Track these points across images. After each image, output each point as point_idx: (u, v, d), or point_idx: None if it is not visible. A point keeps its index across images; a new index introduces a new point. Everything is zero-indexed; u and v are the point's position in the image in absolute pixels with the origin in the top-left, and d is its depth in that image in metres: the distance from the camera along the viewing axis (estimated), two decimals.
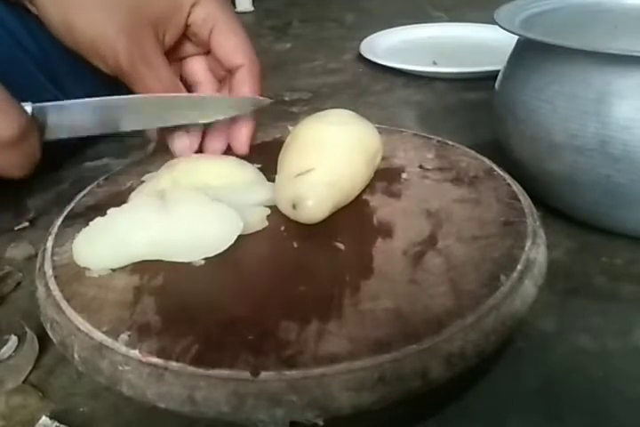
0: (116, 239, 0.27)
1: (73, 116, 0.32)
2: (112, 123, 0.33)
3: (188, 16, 0.35)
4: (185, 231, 0.27)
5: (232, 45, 0.35)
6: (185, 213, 0.28)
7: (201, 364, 0.21)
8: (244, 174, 0.33)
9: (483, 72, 0.63)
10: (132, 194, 0.32)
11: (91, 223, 0.28)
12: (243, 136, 0.36)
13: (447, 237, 0.28)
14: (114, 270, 0.27)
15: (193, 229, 0.27)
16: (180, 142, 0.35)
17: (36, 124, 0.30)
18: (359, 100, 0.63)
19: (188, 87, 0.37)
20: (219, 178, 0.32)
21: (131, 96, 0.33)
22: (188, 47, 0.38)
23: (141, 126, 0.33)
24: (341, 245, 0.28)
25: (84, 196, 0.34)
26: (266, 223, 0.30)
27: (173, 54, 0.37)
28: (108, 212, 0.28)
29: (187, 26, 0.35)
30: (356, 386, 0.21)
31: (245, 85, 0.35)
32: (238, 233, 0.28)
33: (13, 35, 0.42)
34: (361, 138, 0.31)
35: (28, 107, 0.29)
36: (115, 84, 0.37)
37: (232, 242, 0.28)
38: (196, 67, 0.38)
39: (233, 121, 0.36)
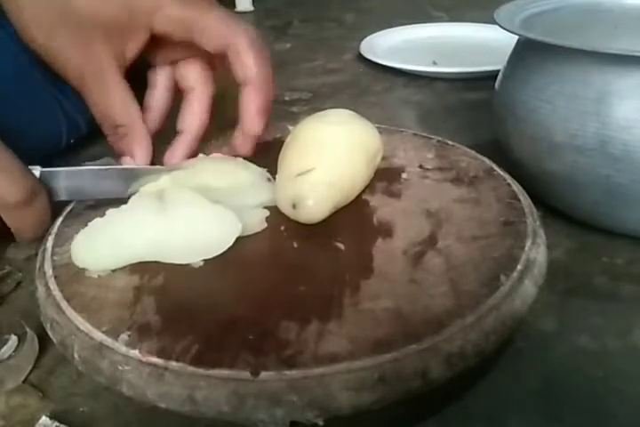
0: (114, 240, 0.27)
1: (82, 181, 0.31)
2: (120, 189, 0.32)
3: (152, 26, 0.33)
4: (183, 233, 0.27)
5: (250, 64, 0.33)
6: (183, 214, 0.28)
7: (201, 364, 0.21)
8: (243, 175, 0.33)
9: (483, 72, 0.63)
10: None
11: (89, 224, 0.28)
12: (253, 113, 0.34)
13: (447, 236, 0.28)
14: (113, 271, 0.27)
15: (191, 230, 0.27)
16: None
17: (45, 186, 0.30)
18: (359, 100, 0.63)
19: (181, 91, 0.37)
20: (218, 179, 0.32)
21: (153, 167, 0.33)
22: (177, 51, 0.36)
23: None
24: (341, 245, 0.28)
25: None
26: (265, 225, 0.30)
27: (164, 58, 0.36)
28: (107, 213, 0.28)
29: (158, 34, 0.33)
30: (356, 386, 0.21)
31: (252, 103, 0.34)
32: (237, 235, 0.28)
33: (10, 33, 0.42)
34: (361, 138, 0.31)
35: (37, 171, 0.30)
36: None
37: (230, 244, 0.28)
38: (188, 71, 0.37)
39: (241, 121, 0.34)
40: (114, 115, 0.33)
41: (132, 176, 0.31)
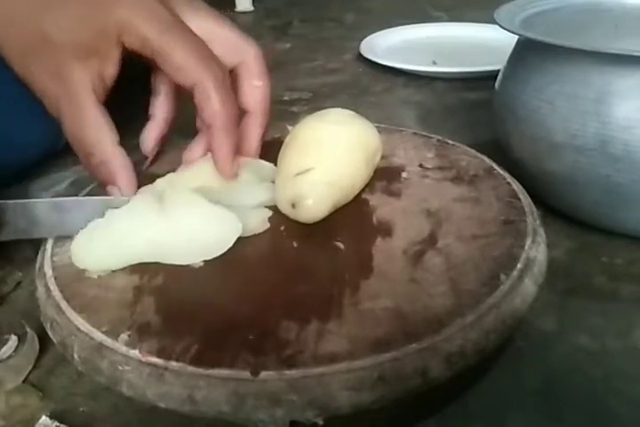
0: (114, 241, 0.27)
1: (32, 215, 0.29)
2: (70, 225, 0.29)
3: (123, 45, 0.31)
4: (183, 234, 0.27)
5: (253, 91, 0.33)
6: (183, 215, 0.28)
7: (201, 364, 0.21)
8: (242, 175, 0.33)
9: (483, 72, 0.63)
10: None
11: (89, 224, 0.28)
12: (253, 139, 0.34)
13: (447, 236, 0.28)
14: (113, 271, 0.27)
15: (191, 231, 0.27)
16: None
17: None
18: (359, 99, 0.63)
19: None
20: (217, 179, 0.32)
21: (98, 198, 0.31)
22: None
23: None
24: (341, 245, 0.28)
25: (85, 196, 0.33)
26: (267, 225, 0.30)
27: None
28: (107, 213, 0.28)
29: (134, 52, 0.31)
30: (356, 385, 0.21)
31: (250, 136, 0.34)
32: (237, 236, 0.28)
33: None
34: (360, 137, 0.31)
35: None
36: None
37: (230, 245, 0.28)
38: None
39: (244, 121, 0.34)
40: (86, 143, 0.31)
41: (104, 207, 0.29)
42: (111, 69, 0.31)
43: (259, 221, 0.30)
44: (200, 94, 0.30)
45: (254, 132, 0.34)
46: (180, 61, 0.29)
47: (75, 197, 0.31)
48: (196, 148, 0.35)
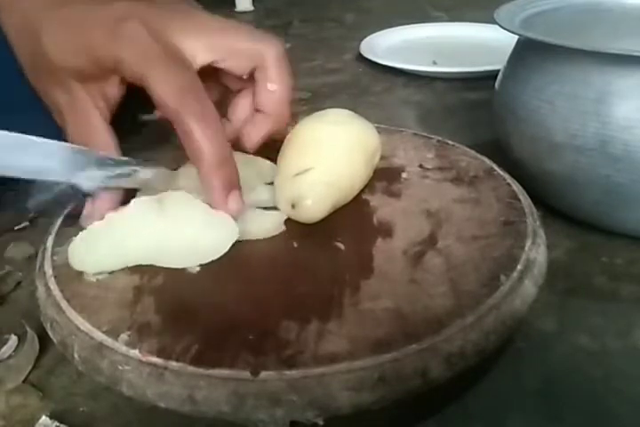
0: (112, 244, 0.27)
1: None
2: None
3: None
4: (181, 237, 0.27)
5: (272, 97, 0.32)
6: (181, 218, 0.28)
7: (201, 363, 0.21)
8: (243, 175, 0.33)
9: (483, 72, 0.63)
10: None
11: (88, 227, 0.28)
12: (255, 135, 0.33)
13: (447, 236, 0.28)
14: (110, 273, 0.27)
15: (189, 235, 0.27)
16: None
17: None
18: (359, 99, 0.63)
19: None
20: None
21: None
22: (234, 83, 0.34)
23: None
24: (341, 245, 0.28)
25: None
26: (283, 228, 0.29)
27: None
28: (106, 216, 0.28)
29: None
30: (356, 386, 0.21)
31: (256, 134, 0.33)
32: (234, 240, 0.27)
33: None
34: (359, 137, 0.31)
35: None
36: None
37: (226, 250, 0.27)
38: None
39: (255, 117, 0.33)
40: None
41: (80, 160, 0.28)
42: (114, 91, 0.31)
43: (274, 224, 0.29)
44: (179, 131, 0.28)
45: (259, 129, 0.33)
46: (159, 94, 0.28)
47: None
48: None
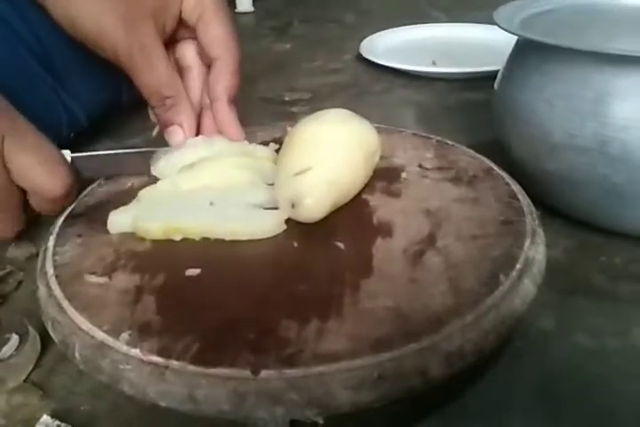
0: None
1: (106, 164, 0.34)
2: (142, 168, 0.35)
3: (181, 3, 0.36)
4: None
5: (213, 36, 0.36)
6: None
7: (202, 363, 0.21)
8: (243, 175, 0.33)
9: (482, 72, 0.63)
10: (141, 192, 0.32)
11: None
12: (230, 122, 0.36)
13: (446, 236, 0.28)
14: (111, 275, 0.27)
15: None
16: (176, 136, 0.36)
17: (74, 170, 0.30)
18: (359, 100, 0.63)
19: (179, 71, 0.38)
20: (219, 179, 0.32)
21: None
22: (181, 31, 0.38)
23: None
24: (341, 245, 0.28)
25: (85, 196, 0.34)
26: (284, 227, 0.30)
27: (168, 38, 0.38)
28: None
29: (179, 12, 0.36)
30: (356, 384, 0.21)
31: (220, 81, 0.36)
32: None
33: (12, 28, 0.42)
34: (359, 137, 0.31)
35: (68, 156, 0.31)
36: (115, 79, 0.38)
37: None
38: (186, 51, 0.39)
39: (215, 110, 0.37)
40: (163, 88, 0.35)
41: (150, 156, 0.34)
42: (171, 25, 0.36)
43: (274, 224, 0.29)
44: (221, 66, 0.35)
45: (220, 78, 0.37)
46: (223, 30, 0.36)
47: (135, 149, 0.35)
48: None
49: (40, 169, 0.28)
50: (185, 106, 0.36)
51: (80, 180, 0.31)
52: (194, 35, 0.38)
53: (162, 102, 0.36)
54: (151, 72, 0.34)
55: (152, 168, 0.34)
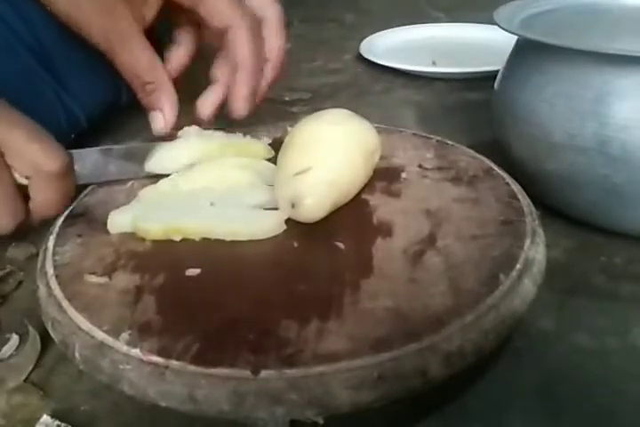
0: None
1: (99, 162, 0.34)
2: (136, 168, 0.35)
3: None
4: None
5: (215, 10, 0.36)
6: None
7: (202, 362, 0.21)
8: (243, 176, 0.33)
9: (482, 72, 0.63)
10: (141, 192, 0.32)
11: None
12: (240, 96, 0.37)
13: (446, 236, 0.28)
14: (110, 276, 0.27)
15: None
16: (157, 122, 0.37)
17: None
18: (359, 100, 0.63)
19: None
20: (219, 181, 0.32)
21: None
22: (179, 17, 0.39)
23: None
24: (341, 245, 0.28)
25: (85, 195, 0.34)
26: (284, 227, 0.30)
27: (187, 19, 0.39)
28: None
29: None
30: (356, 384, 0.21)
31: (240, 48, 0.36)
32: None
33: (11, 28, 0.42)
34: (359, 136, 0.31)
35: None
36: (114, 79, 0.38)
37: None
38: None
39: (233, 79, 0.37)
40: (142, 73, 0.35)
41: (144, 153, 0.34)
42: (152, 14, 0.36)
43: (274, 224, 0.29)
44: (233, 37, 0.35)
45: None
46: (218, 5, 0.35)
47: (127, 145, 0.35)
48: (211, 98, 0.38)
49: (35, 146, 0.28)
50: (166, 92, 0.36)
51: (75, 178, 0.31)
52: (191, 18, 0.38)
53: (142, 88, 0.36)
54: (129, 56, 0.35)
55: (146, 164, 0.34)
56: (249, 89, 0.36)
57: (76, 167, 0.31)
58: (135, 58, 0.35)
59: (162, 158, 0.34)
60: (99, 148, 0.34)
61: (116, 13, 0.34)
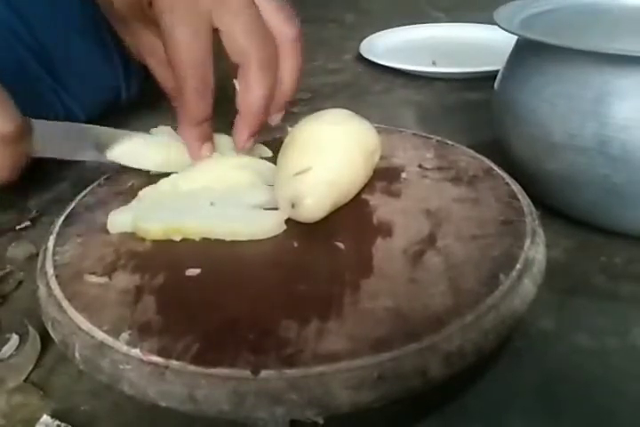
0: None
1: (56, 136, 0.32)
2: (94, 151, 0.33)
3: None
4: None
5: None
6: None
7: (202, 362, 0.21)
8: (243, 176, 0.33)
9: (482, 72, 0.63)
10: (141, 192, 0.32)
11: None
12: (244, 134, 0.34)
13: (446, 236, 0.28)
14: (115, 273, 0.27)
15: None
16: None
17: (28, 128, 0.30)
18: (359, 100, 0.63)
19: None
20: (219, 180, 0.32)
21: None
22: None
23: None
24: (341, 245, 0.28)
25: (85, 195, 0.34)
26: (284, 227, 0.29)
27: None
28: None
29: None
30: (356, 384, 0.21)
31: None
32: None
33: (11, 28, 0.42)
34: (358, 136, 0.31)
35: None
36: (114, 79, 0.37)
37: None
38: None
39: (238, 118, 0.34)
40: (206, 69, 0.32)
41: (109, 139, 0.33)
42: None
43: (274, 224, 0.29)
44: (242, 77, 0.32)
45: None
46: (235, 34, 0.31)
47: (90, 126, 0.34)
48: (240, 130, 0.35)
49: None
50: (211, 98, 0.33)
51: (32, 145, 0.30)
52: None
53: (202, 85, 0.32)
54: (200, 52, 0.31)
55: (109, 151, 0.34)
56: (250, 132, 0.34)
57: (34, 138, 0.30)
58: (206, 60, 0.32)
59: (135, 152, 0.34)
60: (63, 122, 0.33)
61: (195, 11, 0.31)
